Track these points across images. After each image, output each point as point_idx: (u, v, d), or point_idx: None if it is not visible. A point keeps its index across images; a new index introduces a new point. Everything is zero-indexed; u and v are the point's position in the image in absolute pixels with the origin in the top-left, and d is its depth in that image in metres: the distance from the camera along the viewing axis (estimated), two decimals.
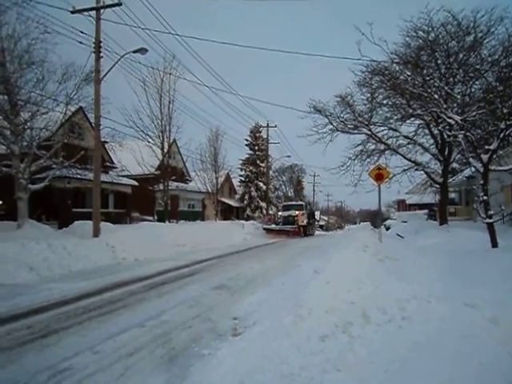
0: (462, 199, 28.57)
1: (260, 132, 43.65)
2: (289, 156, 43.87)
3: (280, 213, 29.86)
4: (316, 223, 41.55)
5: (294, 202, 34.19)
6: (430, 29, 15.86)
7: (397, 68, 17.07)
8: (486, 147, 11.24)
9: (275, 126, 39.76)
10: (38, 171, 16.40)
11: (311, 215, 33.72)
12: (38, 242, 10.49)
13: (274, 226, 28.22)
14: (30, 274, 8.85)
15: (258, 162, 43.76)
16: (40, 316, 5.70)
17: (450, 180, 21.10)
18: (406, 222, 33.20)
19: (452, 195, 28.64)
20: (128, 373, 3.70)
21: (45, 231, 15.62)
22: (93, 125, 16.91)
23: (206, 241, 17.73)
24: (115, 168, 27.42)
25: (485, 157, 10.88)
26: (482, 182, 10.73)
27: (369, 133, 18.42)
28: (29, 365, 3.92)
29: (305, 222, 28.81)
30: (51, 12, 19.16)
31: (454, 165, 20.41)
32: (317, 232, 52.10)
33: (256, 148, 44.22)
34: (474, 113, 15.45)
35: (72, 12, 14.42)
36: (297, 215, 27.67)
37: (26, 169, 15.36)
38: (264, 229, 27.67)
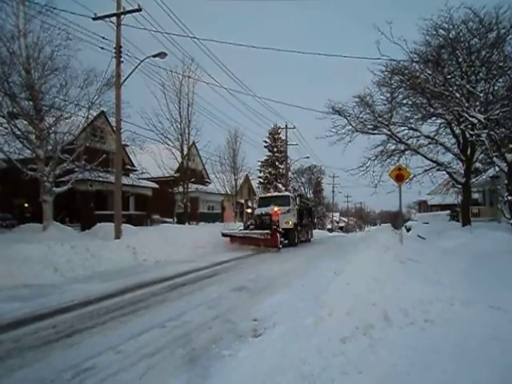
0: (486, 199, 27.88)
1: (278, 133, 43.55)
2: (308, 157, 43.72)
3: (256, 210, 19.97)
4: (312, 223, 28.50)
5: (275, 194, 23.41)
6: (451, 26, 15.58)
7: (417, 67, 16.83)
8: (511, 146, 10.96)
9: (294, 128, 39.61)
10: (61, 174, 16.81)
11: (306, 213, 23.31)
12: (62, 244, 10.73)
13: (239, 230, 18.42)
14: (54, 274, 9.07)
15: (276, 163, 43.66)
16: (64, 316, 5.83)
17: (473, 180, 20.62)
18: (427, 223, 32.58)
19: (475, 195, 27.97)
20: (150, 372, 3.75)
21: (69, 233, 15.98)
22: (114, 128, 17.21)
23: (226, 242, 17.79)
24: (136, 171, 27.84)
25: (509, 156, 10.63)
26: (506, 181, 10.47)
27: (389, 133, 18.18)
28: (54, 363, 4.01)
29: (291, 223, 18.51)
30: (73, 19, 19.62)
31: (477, 164, 19.96)
32: (332, 234, 51.45)
33: (275, 150, 44.15)
34: (498, 111, 15.12)
35: (94, 19, 14.75)
36: (272, 214, 17.73)
37: (51, 172, 15.75)
38: (224, 235, 17.59)
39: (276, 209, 17.89)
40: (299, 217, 20.56)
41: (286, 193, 23.01)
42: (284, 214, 18.20)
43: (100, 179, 19.99)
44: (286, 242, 18.40)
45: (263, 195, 22.53)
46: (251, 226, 18.41)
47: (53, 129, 15.96)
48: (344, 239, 27.82)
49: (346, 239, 28.39)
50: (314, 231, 42.29)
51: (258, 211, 18.98)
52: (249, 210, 20.51)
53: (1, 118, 15.12)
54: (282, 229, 17.62)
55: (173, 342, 4.59)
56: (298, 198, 21.12)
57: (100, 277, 9.40)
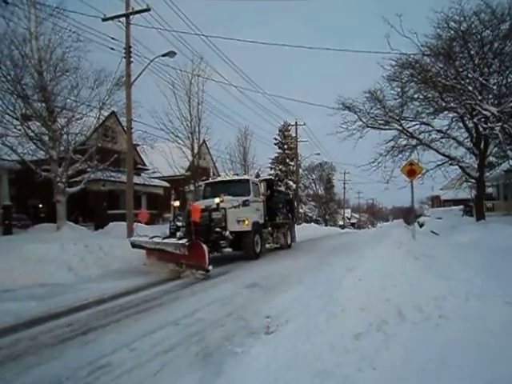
0: (500, 194, 27.48)
1: (289, 130, 43.51)
2: (318, 154, 43.42)
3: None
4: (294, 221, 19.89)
5: (228, 178, 14.85)
6: (462, 18, 15.35)
7: (428, 60, 16.64)
8: None
9: (304, 124, 39.57)
10: (74, 175, 17.03)
11: (282, 208, 16.33)
12: (75, 243, 10.85)
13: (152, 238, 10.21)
14: (68, 273, 9.18)
15: (287, 160, 43.63)
16: (79, 314, 5.90)
17: (487, 174, 20.33)
18: (440, 218, 32.24)
19: (489, 190, 27.59)
20: (164, 369, 3.77)
21: (82, 232, 16.17)
22: (125, 128, 17.37)
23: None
24: (147, 170, 28.05)
25: None
26: None
27: (400, 128, 18.01)
28: (70, 361, 4.07)
29: (248, 222, 11.87)
30: (83, 21, 19.89)
31: (491, 158, 19.63)
32: (344, 230, 51.09)
33: (285, 147, 44.11)
34: None
35: (103, 20, 14.89)
36: (192, 210, 9.82)
37: (64, 173, 15.96)
38: (133, 245, 10.86)
39: (217, 200, 10.95)
40: (269, 212, 14.20)
41: (245, 176, 15.46)
42: (236, 209, 11.70)
43: (112, 179, 20.20)
44: (241, 252, 12.00)
45: (210, 180, 14.82)
46: (181, 231, 11.24)
47: (65, 130, 16.18)
48: (351, 238, 24.60)
49: (355, 238, 24.08)
50: (324, 228, 42.51)
51: (201, 205, 11.54)
52: (176, 203, 11.99)
53: (14, 120, 15.35)
54: (232, 232, 11.28)
55: (186, 339, 4.62)
56: (263, 185, 14.00)
57: (113, 275, 9.49)
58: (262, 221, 13.39)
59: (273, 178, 18.76)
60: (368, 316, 4.32)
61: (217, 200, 11.08)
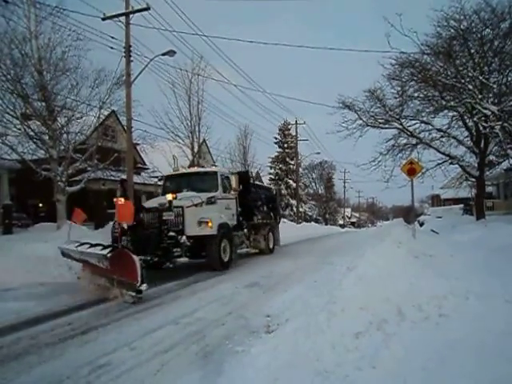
0: (501, 193, 27.49)
1: (289, 129, 43.55)
2: (318, 153, 43.49)
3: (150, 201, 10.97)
4: (280, 220, 16.94)
5: (192, 170, 13.61)
6: (462, 17, 15.34)
7: (428, 59, 16.64)
8: None
9: (304, 123, 39.61)
10: (74, 174, 17.01)
11: (261, 206, 14.03)
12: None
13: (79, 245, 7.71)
14: (69, 272, 9.17)
15: (287, 159, 43.67)
16: (79, 313, 5.90)
17: (487, 173, 20.33)
18: (440, 217, 32.26)
19: (489, 189, 27.57)
20: (164, 368, 3.78)
21: (82, 232, 16.15)
22: (125, 127, 17.37)
23: None
24: (147, 169, 28.03)
25: None
26: None
27: (400, 127, 18.01)
28: (70, 360, 4.08)
29: (212, 224, 9.50)
30: (83, 20, 19.89)
31: (491, 157, 19.64)
32: (344, 230, 51.13)
33: (285, 146, 44.15)
34: None
35: (103, 19, 14.89)
36: (119, 207, 7.22)
37: (64, 172, 15.94)
38: (63, 253, 8.40)
39: (169, 196, 8.85)
40: (245, 211, 12.17)
41: (213, 168, 12.79)
42: (197, 208, 9.66)
43: (112, 178, 20.19)
44: (204, 261, 9.83)
45: (172, 173, 12.48)
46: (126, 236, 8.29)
47: (65, 129, 16.15)
48: (351, 237, 24.49)
49: (355, 237, 24.25)
50: (324, 227, 42.50)
51: (150, 203, 10.19)
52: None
53: (14, 119, 15.34)
54: (191, 237, 9.21)
55: (186, 338, 4.62)
56: (235, 178, 11.35)
57: None
58: (234, 222, 11.15)
59: (248, 171, 14.93)
60: (368, 315, 4.33)
61: (168, 197, 8.79)
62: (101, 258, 6.82)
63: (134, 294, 6.40)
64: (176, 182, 11.67)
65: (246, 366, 3.62)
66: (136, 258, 6.45)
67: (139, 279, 6.26)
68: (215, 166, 13.24)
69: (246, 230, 12.33)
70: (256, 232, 13.35)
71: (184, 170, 12.51)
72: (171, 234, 8.88)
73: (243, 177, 12.36)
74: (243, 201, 12.04)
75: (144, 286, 6.33)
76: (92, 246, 7.35)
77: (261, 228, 13.55)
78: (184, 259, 9.24)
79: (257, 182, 17.54)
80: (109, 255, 6.57)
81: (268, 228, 13.95)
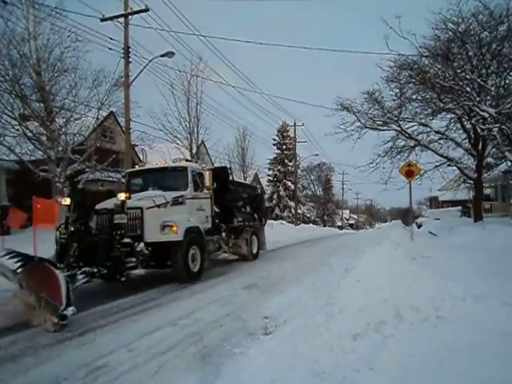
0: (498, 195, 27.53)
1: (287, 131, 43.59)
2: (317, 154, 43.50)
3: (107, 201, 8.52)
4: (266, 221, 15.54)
5: (160, 165, 10.49)
6: (460, 20, 15.36)
7: (426, 62, 16.65)
8: None
9: (302, 125, 39.66)
10: (72, 175, 16.97)
11: (243, 206, 12.84)
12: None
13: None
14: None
15: (285, 161, 43.69)
16: (77, 315, 5.88)
17: (485, 175, 20.35)
18: (438, 219, 32.24)
19: (487, 191, 27.62)
20: (162, 370, 3.77)
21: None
22: (123, 128, 17.35)
23: None
24: None
25: None
26: None
27: (398, 129, 18.03)
28: (68, 361, 4.07)
29: (178, 229, 8.16)
30: (82, 21, 19.93)
31: (489, 159, 19.69)
32: (343, 231, 51.23)
33: (284, 147, 44.18)
34: (510, 105, 14.92)
35: (102, 20, 14.92)
36: (34, 210, 6.64)
37: (62, 173, 15.93)
38: None
39: (122, 196, 7.49)
40: (223, 213, 10.92)
41: (182, 163, 10.40)
42: (160, 210, 8.32)
43: (110, 179, 20.15)
44: (170, 271, 8.55)
45: (136, 168, 11.21)
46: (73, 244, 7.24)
47: (63, 130, 16.16)
48: (349, 239, 24.33)
49: (353, 239, 24.33)
50: (322, 229, 42.52)
51: (103, 204, 8.41)
52: (65, 202, 7.65)
53: (12, 119, 15.33)
54: (150, 244, 7.91)
55: (184, 339, 4.62)
56: (208, 175, 9.82)
57: None
58: (208, 225, 9.86)
59: (225, 166, 13.18)
60: (366, 316, 4.33)
61: (121, 196, 7.46)
62: (10, 272, 5.70)
63: (56, 319, 4.99)
64: (140, 179, 10.38)
65: (243, 368, 3.62)
66: (59, 274, 5.23)
67: (64, 301, 4.97)
68: (188, 160, 11.16)
69: (224, 234, 11.11)
70: (237, 236, 11.97)
71: (149, 166, 10.76)
72: (126, 240, 7.38)
73: (220, 173, 11.08)
74: (221, 201, 10.74)
75: (70, 310, 5.02)
76: (13, 255, 5.77)
77: (242, 231, 12.15)
78: (140, 271, 7.91)
79: (238, 180, 15.81)
80: (19, 270, 5.44)
81: (251, 231, 12.52)
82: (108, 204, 8.09)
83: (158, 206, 8.27)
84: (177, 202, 8.85)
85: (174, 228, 8.09)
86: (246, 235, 12.16)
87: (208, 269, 9.96)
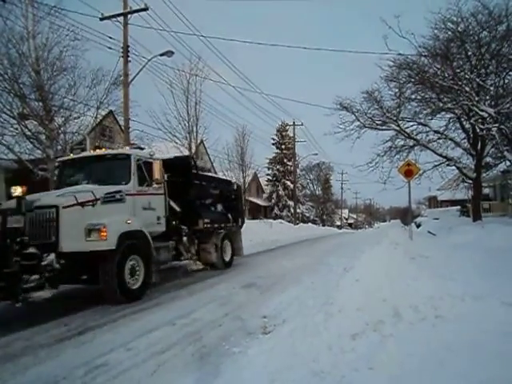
0: (497, 194, 27.57)
1: (286, 131, 43.60)
2: (316, 154, 43.50)
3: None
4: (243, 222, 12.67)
5: (96, 153, 8.57)
6: (459, 19, 15.36)
7: (425, 61, 16.66)
8: None
9: (301, 125, 39.70)
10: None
11: (214, 202, 10.96)
12: None
13: None
14: None
15: (285, 160, 43.69)
16: (76, 314, 5.89)
17: (484, 175, 20.37)
18: (437, 218, 32.27)
19: (486, 190, 27.64)
20: (161, 369, 3.78)
21: None
22: (122, 128, 17.31)
23: None
24: None
25: None
26: None
27: (397, 128, 18.04)
28: (67, 361, 4.07)
29: (113, 234, 6.38)
30: (81, 20, 19.87)
31: (488, 159, 19.69)
32: (342, 231, 51.26)
33: (283, 147, 44.17)
34: (509, 105, 14.94)
35: (101, 19, 14.87)
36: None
37: None
38: None
39: (18, 190, 5.86)
40: (184, 212, 9.23)
41: (124, 151, 9.24)
42: (86, 209, 6.52)
43: None
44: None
45: (69, 157, 8.90)
46: None
47: (62, 129, 16.11)
48: (348, 238, 24.09)
49: (352, 238, 24.30)
50: (321, 228, 42.53)
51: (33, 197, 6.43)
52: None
53: (11, 118, 15.29)
54: (67, 255, 6.06)
55: (183, 339, 4.62)
56: (157, 165, 7.97)
57: None
58: (160, 227, 8.12)
59: (189, 156, 10.68)
60: (365, 316, 4.33)
61: (16, 190, 5.82)
62: None
63: None
64: (75, 170, 8.35)
65: (242, 368, 3.62)
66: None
67: None
68: (139, 147, 9.42)
69: (185, 238, 9.35)
70: (204, 240, 10.12)
71: (84, 154, 8.82)
72: (31, 250, 5.70)
73: (181, 164, 9.62)
74: (184, 198, 9.21)
75: None
76: None
77: (211, 235, 10.28)
78: (46, 292, 5.74)
79: (207, 173, 14.04)
80: None
81: (222, 234, 10.62)
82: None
83: (82, 205, 6.38)
84: (111, 199, 6.90)
85: (103, 233, 6.25)
86: (216, 239, 10.32)
87: (205, 268, 9.91)
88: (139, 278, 6.95)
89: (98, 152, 8.56)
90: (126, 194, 7.21)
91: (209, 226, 10.01)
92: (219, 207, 11.08)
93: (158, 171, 7.82)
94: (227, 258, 10.78)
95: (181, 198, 9.07)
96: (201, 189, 9.97)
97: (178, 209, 8.96)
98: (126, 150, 8.66)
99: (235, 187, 12.41)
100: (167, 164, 8.76)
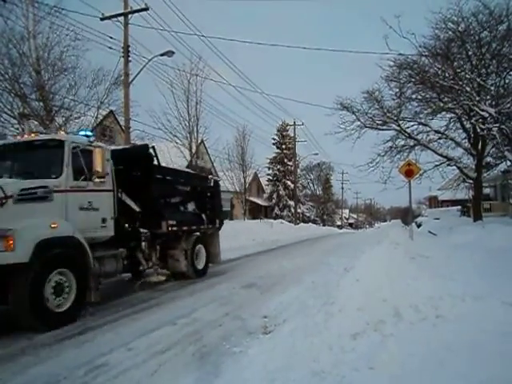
0: (498, 194, 27.54)
1: (287, 130, 43.58)
2: (316, 154, 43.50)
3: None
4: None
5: (23, 138, 6.76)
6: (460, 19, 15.36)
7: (426, 61, 16.66)
8: None
9: (302, 124, 39.73)
10: None
11: (184, 200, 9.49)
12: None
13: None
14: None
15: (285, 160, 43.66)
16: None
17: (485, 175, 20.36)
18: (438, 218, 32.25)
19: (486, 190, 27.62)
20: (161, 369, 3.78)
21: None
22: (123, 127, 17.32)
23: (234, 239, 17.80)
24: None
25: None
26: None
27: (398, 128, 18.04)
28: (67, 360, 4.07)
29: (26, 244, 4.96)
30: (81, 20, 19.91)
31: (488, 159, 19.69)
32: (342, 230, 51.21)
33: (283, 147, 44.15)
34: (509, 104, 14.93)
35: (101, 19, 14.88)
36: None
37: None
38: None
39: None
40: (146, 213, 7.81)
41: (57, 136, 6.78)
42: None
43: None
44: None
45: None
46: None
47: (63, 129, 16.10)
48: (349, 238, 23.93)
49: (352, 238, 23.93)
50: (322, 228, 42.53)
51: None
52: None
53: (12, 118, 15.30)
54: None
55: (184, 339, 4.63)
56: (98, 154, 6.21)
57: None
58: (105, 232, 6.68)
59: (148, 144, 9.41)
60: (365, 316, 4.33)
61: None
62: None
63: None
64: None
65: (243, 367, 3.62)
66: None
67: None
68: (74, 133, 7.84)
69: (144, 244, 7.86)
70: (171, 245, 8.74)
71: (7, 140, 7.73)
72: None
73: (138, 155, 8.27)
74: (144, 195, 7.78)
75: None
76: None
77: (180, 239, 8.90)
78: None
79: (174, 167, 12.67)
80: None
81: (195, 238, 9.22)
82: None
83: None
84: (29, 196, 5.47)
85: (10, 241, 4.87)
86: (186, 244, 8.90)
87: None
88: (69, 297, 5.52)
89: (25, 138, 6.82)
90: (55, 191, 5.75)
91: (175, 228, 8.52)
92: (190, 207, 9.62)
93: (100, 161, 6.19)
94: (200, 266, 9.28)
95: (141, 195, 7.71)
96: (165, 185, 8.62)
97: (137, 209, 7.64)
98: (60, 134, 7.08)
99: (212, 183, 10.86)
100: (122, 155, 7.62)
